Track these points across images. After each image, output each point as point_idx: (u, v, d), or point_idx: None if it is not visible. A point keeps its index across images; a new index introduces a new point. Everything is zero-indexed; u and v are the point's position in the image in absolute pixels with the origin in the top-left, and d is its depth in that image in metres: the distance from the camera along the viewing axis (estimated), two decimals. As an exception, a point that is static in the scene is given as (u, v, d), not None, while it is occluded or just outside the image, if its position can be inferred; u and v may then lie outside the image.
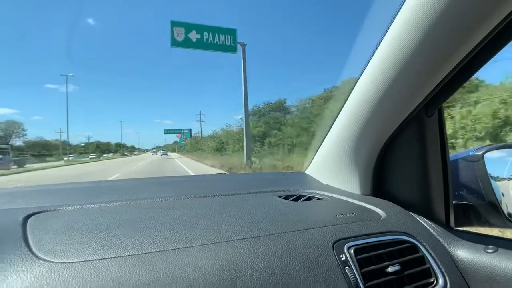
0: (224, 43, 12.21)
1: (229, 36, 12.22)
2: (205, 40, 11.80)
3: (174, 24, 11.36)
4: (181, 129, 65.09)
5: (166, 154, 65.27)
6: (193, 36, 11.65)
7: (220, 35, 12.08)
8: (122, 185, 0.97)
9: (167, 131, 63.89)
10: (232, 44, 12.36)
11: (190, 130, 62.70)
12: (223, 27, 12.36)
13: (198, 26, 11.78)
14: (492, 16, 0.45)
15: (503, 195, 0.79)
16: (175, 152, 78.62)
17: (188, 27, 11.56)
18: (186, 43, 11.60)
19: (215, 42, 12.03)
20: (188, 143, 51.49)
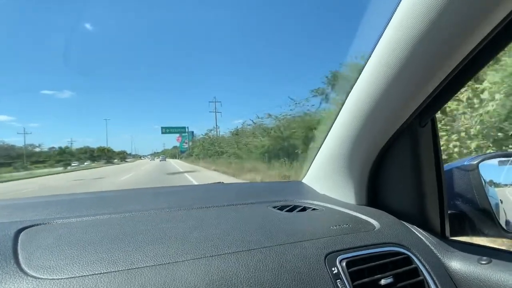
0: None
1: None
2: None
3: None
4: (181, 128, 55.98)
5: (165, 160, 61.97)
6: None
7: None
8: (117, 196, 0.97)
9: (166, 130, 54.23)
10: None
11: (192, 132, 55.58)
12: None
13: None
14: (484, 26, 0.45)
15: (502, 202, 0.79)
16: (176, 158, 68.83)
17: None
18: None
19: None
20: (199, 145, 37.30)
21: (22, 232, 0.57)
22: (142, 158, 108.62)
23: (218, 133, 34.36)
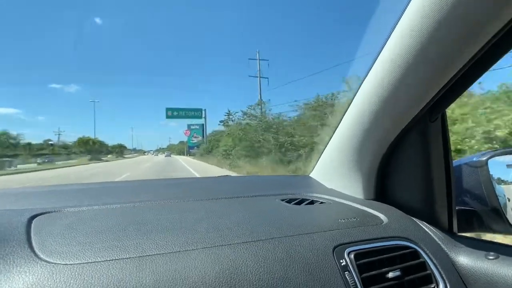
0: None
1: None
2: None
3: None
4: (194, 110, 40.55)
5: (170, 156, 56.82)
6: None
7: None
8: (126, 187, 0.98)
9: (173, 113, 38.65)
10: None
11: (203, 124, 43.02)
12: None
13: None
14: (496, 21, 0.45)
15: (509, 200, 0.79)
16: (183, 154, 57.21)
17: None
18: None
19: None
20: (232, 132, 20.48)
21: (35, 219, 0.58)
22: (145, 153, 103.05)
23: (264, 110, 18.28)
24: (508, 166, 0.81)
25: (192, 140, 48.18)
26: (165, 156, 60.74)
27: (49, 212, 0.62)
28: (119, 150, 76.66)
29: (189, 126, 48.42)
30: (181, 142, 79.33)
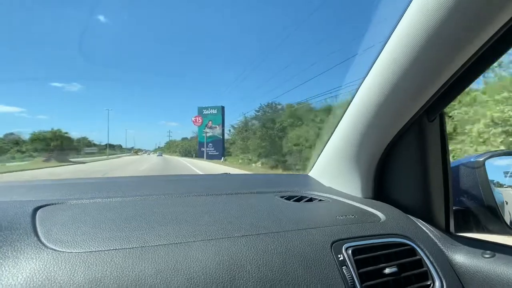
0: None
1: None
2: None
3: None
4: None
5: (161, 156, 52.24)
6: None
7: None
8: (128, 181, 0.99)
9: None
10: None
11: (223, 107, 32.07)
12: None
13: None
14: (494, 22, 0.46)
15: (507, 203, 0.80)
16: (190, 155, 43.38)
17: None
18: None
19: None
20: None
21: (39, 210, 0.59)
22: (139, 153, 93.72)
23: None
24: (506, 172, 0.82)
25: (206, 132, 31.46)
26: (157, 156, 56.54)
27: (53, 204, 0.63)
28: (86, 143, 56.23)
29: (200, 110, 31.95)
30: (184, 139, 63.97)
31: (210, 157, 30.96)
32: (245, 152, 23.19)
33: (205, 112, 32.46)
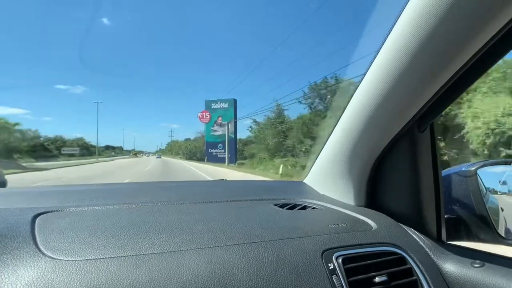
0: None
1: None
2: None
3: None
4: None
5: (160, 158, 48.96)
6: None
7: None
8: (126, 188, 1.00)
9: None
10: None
11: (235, 100, 26.02)
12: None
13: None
14: (483, 33, 0.47)
15: (502, 210, 0.81)
16: (195, 158, 36.92)
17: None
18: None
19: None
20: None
21: (38, 217, 0.60)
22: (138, 155, 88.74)
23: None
24: (498, 170, 0.84)
25: (214, 131, 25.38)
26: (156, 157, 54.09)
27: (51, 211, 0.65)
28: (82, 148, 47.38)
29: (208, 104, 25.54)
30: (188, 140, 55.22)
31: (219, 160, 25.64)
32: (275, 153, 18.33)
33: (213, 106, 26.24)
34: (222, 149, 26.21)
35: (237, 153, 26.40)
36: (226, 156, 24.93)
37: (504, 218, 0.80)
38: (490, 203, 0.78)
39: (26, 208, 0.65)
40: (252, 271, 0.50)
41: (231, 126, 25.67)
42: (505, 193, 0.83)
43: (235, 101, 25.77)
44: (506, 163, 0.86)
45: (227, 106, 26.26)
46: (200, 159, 33.36)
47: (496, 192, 0.83)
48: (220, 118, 26.26)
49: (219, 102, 26.36)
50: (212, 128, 26.77)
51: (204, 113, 26.49)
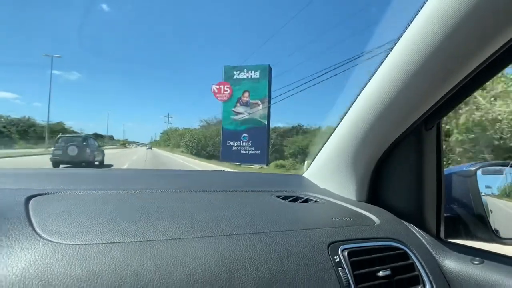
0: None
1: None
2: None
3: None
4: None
5: (151, 149, 47.31)
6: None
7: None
8: (123, 174, 0.98)
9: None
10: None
11: (270, 67, 16.72)
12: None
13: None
14: (499, 37, 0.47)
15: (491, 212, 0.82)
16: (203, 155, 25.75)
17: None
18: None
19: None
20: None
21: (32, 199, 0.58)
22: (128, 146, 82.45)
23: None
24: (497, 172, 0.85)
25: (236, 113, 16.91)
26: (147, 148, 51.22)
27: (46, 194, 0.62)
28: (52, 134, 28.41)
29: (229, 71, 17.31)
30: (187, 129, 41.38)
31: (242, 159, 16.85)
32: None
33: (237, 75, 17.07)
34: (248, 141, 17.16)
35: (269, 149, 17.88)
36: (259, 152, 16.09)
37: (493, 221, 0.82)
38: (484, 202, 0.80)
39: (18, 189, 0.62)
40: (259, 261, 0.49)
41: (262, 108, 16.67)
42: (498, 195, 0.84)
43: (270, 68, 16.92)
44: (504, 165, 0.87)
45: (258, 76, 16.83)
46: (212, 156, 23.55)
47: (489, 195, 0.84)
48: (246, 94, 16.93)
49: (245, 70, 17.13)
50: (233, 110, 17.02)
51: (222, 85, 16.75)
